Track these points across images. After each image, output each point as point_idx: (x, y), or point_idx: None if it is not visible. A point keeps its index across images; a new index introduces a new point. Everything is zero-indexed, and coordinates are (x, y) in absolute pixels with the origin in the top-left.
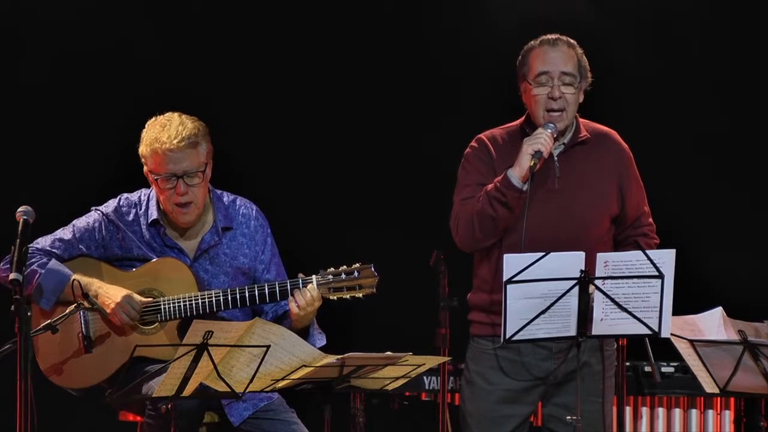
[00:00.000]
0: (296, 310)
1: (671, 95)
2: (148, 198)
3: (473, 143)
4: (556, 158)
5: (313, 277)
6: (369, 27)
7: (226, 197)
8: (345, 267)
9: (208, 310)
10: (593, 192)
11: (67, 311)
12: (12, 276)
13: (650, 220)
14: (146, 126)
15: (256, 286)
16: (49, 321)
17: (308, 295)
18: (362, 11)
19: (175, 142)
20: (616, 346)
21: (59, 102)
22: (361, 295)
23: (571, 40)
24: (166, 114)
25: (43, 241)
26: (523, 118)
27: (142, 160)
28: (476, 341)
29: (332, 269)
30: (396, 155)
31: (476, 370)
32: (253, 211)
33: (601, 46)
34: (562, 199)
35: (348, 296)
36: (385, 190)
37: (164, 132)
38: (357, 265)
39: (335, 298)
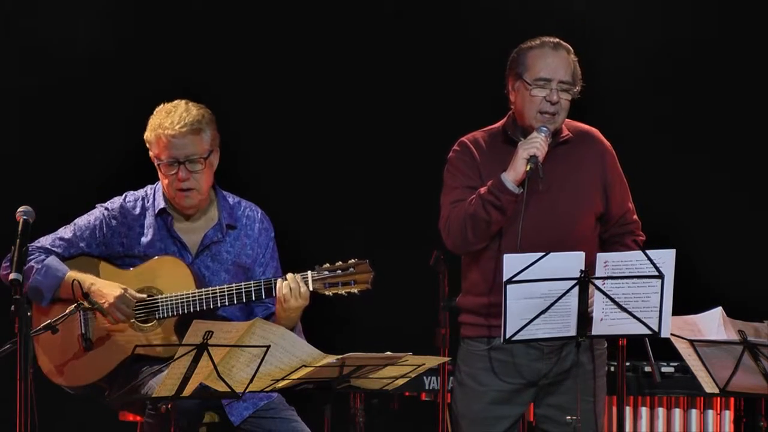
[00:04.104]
0: (280, 296)
1: (670, 94)
2: (155, 190)
3: (456, 147)
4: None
5: (309, 272)
6: (370, 27)
7: (231, 198)
8: (341, 262)
9: (204, 307)
10: (577, 191)
11: (66, 311)
12: (12, 276)
13: (635, 217)
14: (154, 112)
15: (252, 282)
16: (49, 321)
17: (289, 287)
18: (360, 12)
19: (177, 127)
20: (606, 345)
21: (59, 101)
22: (356, 290)
23: (569, 46)
24: (174, 101)
25: (44, 240)
26: (504, 120)
27: (147, 145)
28: (467, 343)
29: (328, 265)
30: (397, 154)
31: (467, 371)
32: (258, 214)
33: (593, 42)
34: (547, 200)
35: (343, 292)
36: (386, 189)
37: (168, 117)
38: (353, 260)
39: (331, 293)
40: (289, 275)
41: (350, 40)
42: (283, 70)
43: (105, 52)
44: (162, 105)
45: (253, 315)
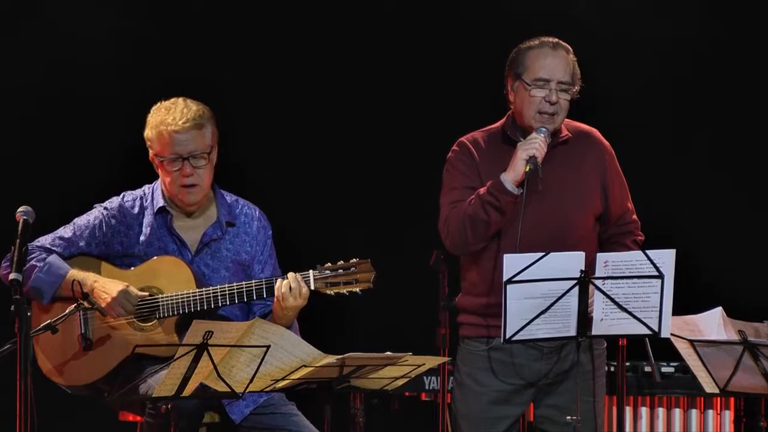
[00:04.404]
0: (279, 295)
1: (671, 94)
2: (153, 189)
3: (455, 147)
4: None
5: (310, 272)
6: (370, 26)
7: (229, 197)
8: (342, 262)
9: (205, 307)
10: (576, 191)
11: (67, 311)
12: (12, 276)
13: (634, 217)
14: (151, 111)
15: (253, 281)
16: (49, 321)
17: (289, 286)
18: (360, 11)
19: (180, 123)
20: (605, 345)
21: (59, 101)
22: (358, 290)
23: (568, 46)
24: (171, 99)
25: (44, 240)
26: (503, 120)
27: (148, 143)
28: (466, 343)
29: (329, 264)
30: (397, 154)
31: (466, 371)
32: (257, 212)
33: (594, 41)
34: (546, 200)
35: (345, 291)
36: (386, 189)
37: (169, 114)
38: (354, 260)
39: (332, 293)
40: (290, 274)
41: (350, 40)
42: (282, 71)
43: (105, 52)
44: (159, 103)
45: (251, 311)
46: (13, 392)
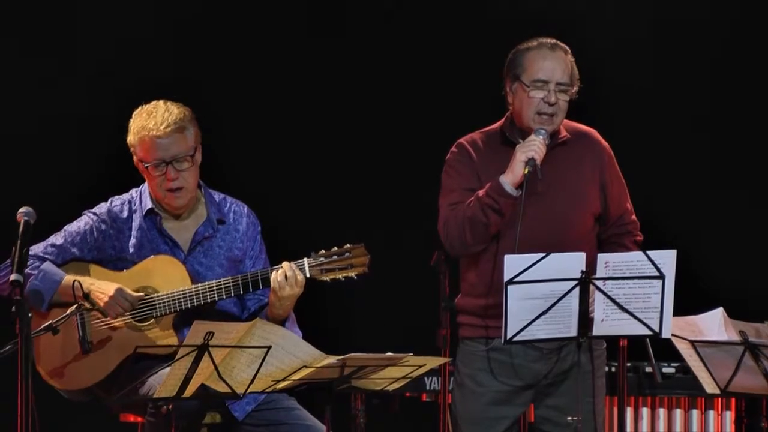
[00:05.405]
0: (275, 285)
1: (669, 94)
2: (140, 193)
3: (454, 149)
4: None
5: (305, 260)
6: (369, 23)
7: (217, 195)
8: (336, 248)
9: (202, 302)
10: (575, 192)
11: (68, 312)
12: (13, 277)
13: (633, 217)
14: (133, 115)
15: (249, 273)
16: (50, 322)
17: (285, 275)
18: (358, 9)
19: (161, 128)
20: (605, 345)
21: (58, 102)
22: (354, 274)
23: (566, 46)
24: (152, 102)
25: (36, 248)
26: (501, 121)
27: (131, 149)
28: (465, 343)
29: (323, 251)
30: (397, 154)
31: (466, 372)
32: (245, 209)
33: (597, 43)
34: (545, 201)
35: (341, 276)
36: (386, 189)
37: (150, 119)
38: (348, 245)
39: (328, 279)
40: (285, 264)
41: (349, 38)
42: (280, 72)
43: (105, 51)
44: (140, 107)
45: (245, 307)
46: (13, 393)
